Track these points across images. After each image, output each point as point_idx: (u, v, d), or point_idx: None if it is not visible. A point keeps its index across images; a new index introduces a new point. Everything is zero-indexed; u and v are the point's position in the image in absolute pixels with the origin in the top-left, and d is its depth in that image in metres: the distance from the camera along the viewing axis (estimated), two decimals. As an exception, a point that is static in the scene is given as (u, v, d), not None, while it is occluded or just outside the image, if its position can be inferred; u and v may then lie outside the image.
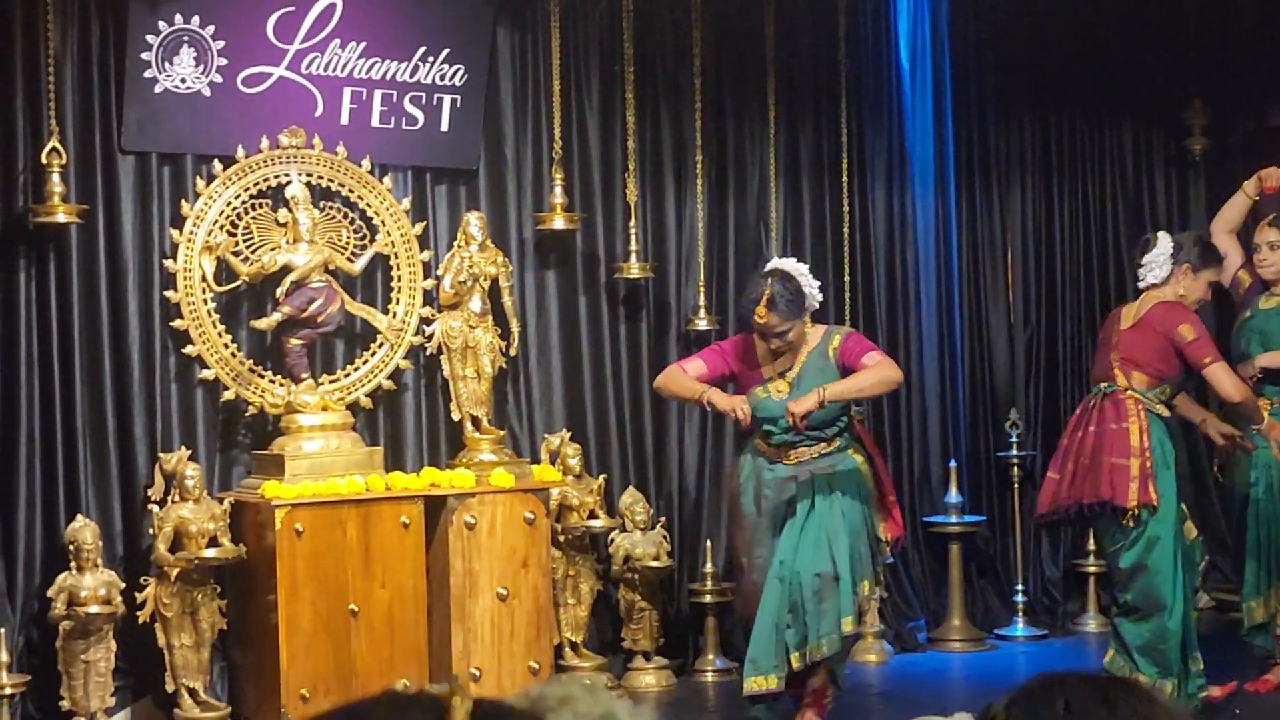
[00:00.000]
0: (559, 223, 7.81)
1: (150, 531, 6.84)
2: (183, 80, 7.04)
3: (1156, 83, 9.52)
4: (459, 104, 7.65)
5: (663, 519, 8.02)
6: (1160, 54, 9.46)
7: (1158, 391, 6.76)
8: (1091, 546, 9.01)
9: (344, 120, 7.42)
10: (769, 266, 6.80)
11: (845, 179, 8.65)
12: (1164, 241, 6.96)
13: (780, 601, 6.44)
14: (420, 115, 7.57)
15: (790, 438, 6.56)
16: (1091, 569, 9.04)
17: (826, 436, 6.61)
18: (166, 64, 6.98)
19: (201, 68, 7.07)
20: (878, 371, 6.49)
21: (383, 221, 7.45)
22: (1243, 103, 9.53)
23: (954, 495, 8.81)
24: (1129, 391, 6.75)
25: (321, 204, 7.34)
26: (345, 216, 7.41)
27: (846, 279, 8.62)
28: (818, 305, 6.79)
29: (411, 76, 7.53)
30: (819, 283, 6.80)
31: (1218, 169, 9.55)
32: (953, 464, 8.88)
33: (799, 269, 6.68)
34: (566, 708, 1.53)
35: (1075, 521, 7.36)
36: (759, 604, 6.49)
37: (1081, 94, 9.44)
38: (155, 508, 6.84)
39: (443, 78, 7.59)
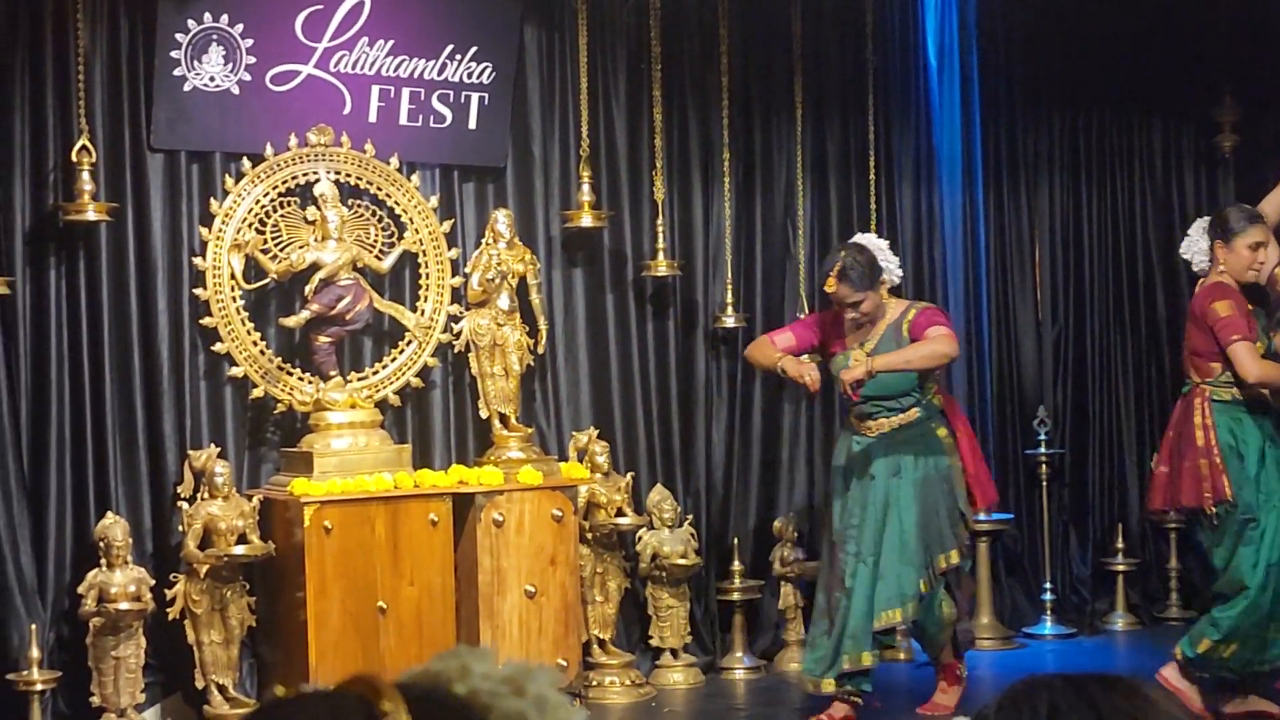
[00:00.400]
0: (586, 220, 7.81)
1: (180, 528, 6.87)
2: (211, 78, 7.06)
3: (1186, 79, 9.46)
4: (486, 102, 7.65)
5: (690, 516, 8.02)
6: (1190, 50, 9.40)
7: (1229, 373, 6.74)
8: (1120, 544, 9.00)
9: (372, 118, 7.43)
10: (851, 240, 7.06)
11: (873, 177, 8.63)
12: (1195, 229, 6.96)
13: (870, 581, 6.62)
14: (448, 113, 7.58)
15: (867, 409, 6.72)
16: (1120, 567, 9.02)
17: (903, 408, 6.74)
18: (195, 62, 7.01)
19: (230, 66, 7.09)
20: (929, 345, 6.61)
21: (411, 219, 7.46)
22: (1273, 99, 9.46)
23: (982, 493, 8.77)
24: (1198, 386, 6.76)
25: (350, 202, 7.35)
26: (373, 214, 7.42)
27: (874, 277, 8.60)
28: (896, 280, 7.04)
29: (439, 74, 7.54)
30: (898, 259, 7.09)
31: (1248, 166, 9.48)
32: (981, 462, 8.84)
33: (877, 244, 6.90)
34: (470, 676, 1.54)
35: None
36: (850, 583, 6.66)
37: (1110, 91, 9.40)
38: (185, 505, 6.86)
39: (470, 76, 7.60)
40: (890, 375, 6.58)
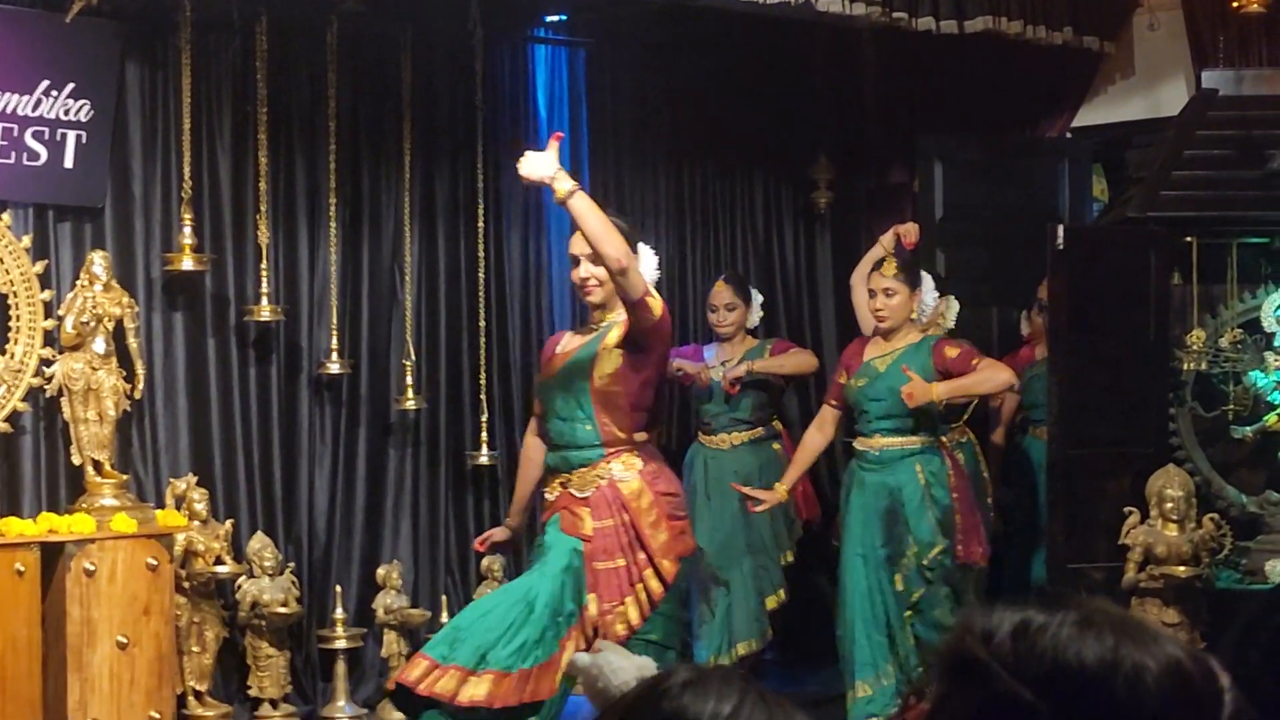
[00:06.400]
0: (188, 263, 7.67)
1: None
2: None
3: (785, 138, 9.81)
4: (84, 140, 7.46)
5: (292, 564, 7.93)
6: (789, 112, 9.76)
7: None
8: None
9: (-39, 153, 7.18)
10: None
11: (481, 224, 8.68)
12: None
13: None
14: (43, 150, 7.35)
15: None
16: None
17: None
18: None
19: None
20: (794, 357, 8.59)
21: (0, 260, 7.22)
22: (866, 160, 9.90)
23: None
24: None
25: (-66, 240, 7.08)
26: (-40, 253, 7.16)
27: (482, 323, 8.63)
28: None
29: (34, 110, 7.32)
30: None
31: (842, 222, 9.88)
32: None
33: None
34: None
35: None
36: None
37: (714, 148, 9.65)
38: None
39: (67, 112, 7.39)
40: None
